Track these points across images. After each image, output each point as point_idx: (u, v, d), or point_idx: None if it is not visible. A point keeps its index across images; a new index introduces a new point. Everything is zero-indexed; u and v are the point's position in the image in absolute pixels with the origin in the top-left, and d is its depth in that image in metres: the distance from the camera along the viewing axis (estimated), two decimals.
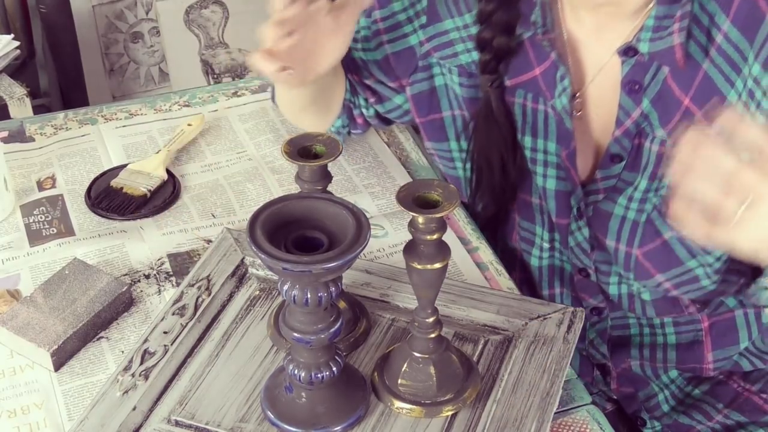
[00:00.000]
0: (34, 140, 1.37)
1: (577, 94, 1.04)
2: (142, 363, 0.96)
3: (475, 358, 0.97)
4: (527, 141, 1.08)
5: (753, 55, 0.90)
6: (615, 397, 1.19)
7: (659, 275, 1.04)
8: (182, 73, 2.58)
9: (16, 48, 2.17)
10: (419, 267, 0.86)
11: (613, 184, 1.03)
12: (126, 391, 0.93)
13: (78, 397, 0.99)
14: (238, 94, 1.47)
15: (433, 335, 0.91)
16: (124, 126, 1.40)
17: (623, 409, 1.19)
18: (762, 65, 0.89)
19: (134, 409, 0.92)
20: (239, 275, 1.08)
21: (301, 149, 0.93)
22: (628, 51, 0.95)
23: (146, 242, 1.18)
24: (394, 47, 1.14)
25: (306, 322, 0.85)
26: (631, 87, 0.97)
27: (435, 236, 0.83)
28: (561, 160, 1.06)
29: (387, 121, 1.25)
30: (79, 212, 1.24)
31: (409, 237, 0.86)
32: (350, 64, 1.18)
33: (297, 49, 1.00)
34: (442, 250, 0.86)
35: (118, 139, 1.37)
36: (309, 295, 0.82)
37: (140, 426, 0.91)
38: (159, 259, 1.16)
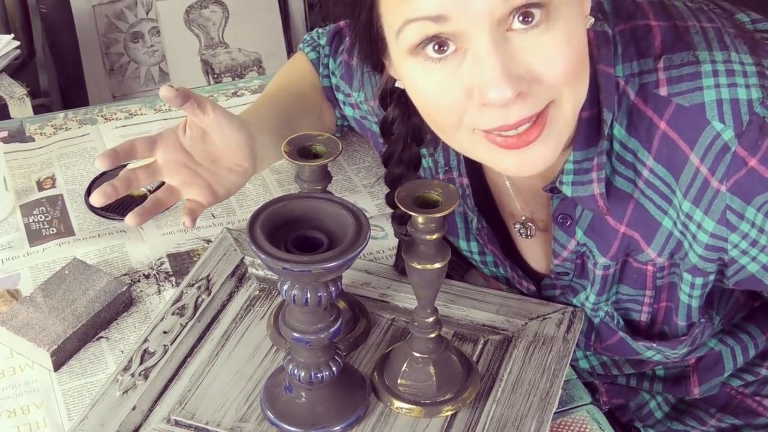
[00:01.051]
0: (33, 140, 1.37)
1: (517, 223, 1.04)
2: (141, 363, 0.96)
3: (474, 358, 0.97)
4: (474, 246, 1.09)
5: (681, 193, 0.89)
6: (607, 408, 1.19)
7: (621, 357, 1.07)
8: (182, 73, 2.58)
9: (16, 48, 2.17)
10: (419, 267, 0.86)
11: (567, 284, 1.03)
12: (126, 391, 0.93)
13: (78, 397, 0.99)
14: (238, 94, 1.47)
15: (432, 335, 0.91)
16: (124, 126, 1.40)
17: (617, 418, 1.19)
18: (692, 202, 0.88)
19: (134, 408, 0.92)
20: (239, 275, 1.08)
21: (301, 149, 0.93)
22: (553, 189, 0.94)
23: (146, 242, 1.18)
24: (368, 124, 1.17)
25: (306, 322, 0.85)
26: (563, 221, 0.97)
27: (435, 236, 0.84)
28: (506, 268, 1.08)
29: None
30: (78, 212, 1.24)
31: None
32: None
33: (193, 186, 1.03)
34: (442, 250, 0.86)
35: (118, 139, 1.37)
36: (309, 295, 0.82)
37: (140, 426, 0.91)
38: (159, 259, 1.16)
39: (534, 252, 1.06)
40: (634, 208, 0.93)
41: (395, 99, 0.96)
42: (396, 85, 0.92)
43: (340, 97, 1.20)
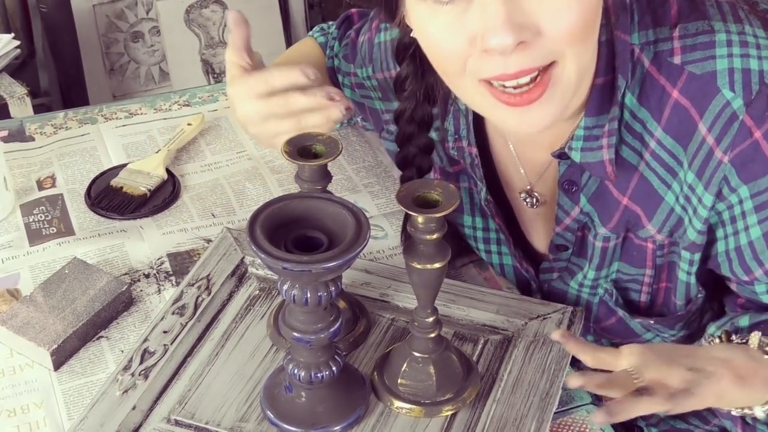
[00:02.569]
0: (34, 139, 1.37)
1: (523, 192, 1.05)
2: (141, 362, 0.96)
3: (474, 358, 0.97)
4: (478, 221, 1.10)
5: (687, 163, 0.90)
6: None
7: (620, 341, 1.07)
8: (182, 73, 2.58)
9: (17, 47, 2.17)
10: (419, 267, 0.86)
11: (564, 266, 1.04)
12: (126, 391, 0.93)
13: (78, 397, 0.99)
14: None
15: (432, 335, 0.91)
16: (124, 125, 1.40)
17: None
18: (695, 173, 0.89)
19: (134, 408, 0.92)
20: (239, 275, 1.08)
21: (301, 149, 0.93)
22: (562, 155, 0.95)
23: (146, 242, 1.18)
24: (369, 103, 1.16)
25: (306, 322, 0.85)
26: (569, 187, 0.97)
27: (434, 236, 0.84)
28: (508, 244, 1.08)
29: None
30: (78, 212, 1.24)
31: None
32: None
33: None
34: (442, 250, 0.86)
35: (118, 139, 1.37)
36: (309, 295, 0.82)
37: (140, 425, 0.91)
38: (159, 259, 1.16)
39: (536, 226, 1.07)
40: (638, 181, 0.93)
41: (410, 55, 0.97)
42: (411, 35, 0.92)
43: (339, 78, 1.21)
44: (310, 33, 1.27)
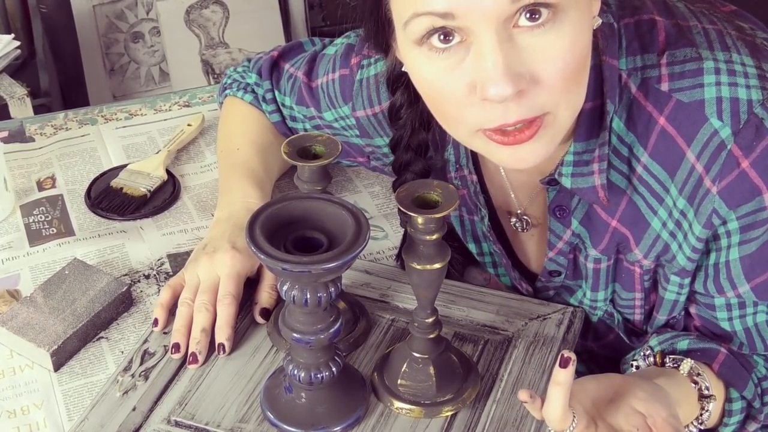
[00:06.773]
0: (34, 140, 1.37)
1: (513, 216, 1.05)
2: (142, 363, 0.96)
3: (474, 359, 0.97)
4: (472, 247, 1.10)
5: (676, 190, 0.89)
6: None
7: (615, 354, 1.07)
8: (183, 73, 2.58)
9: (17, 48, 2.17)
10: (419, 267, 0.85)
11: (558, 285, 1.04)
12: (126, 392, 0.93)
13: (78, 398, 0.99)
14: None
15: (432, 336, 0.91)
16: (124, 126, 1.40)
17: None
18: (686, 199, 0.89)
19: (134, 409, 0.92)
20: None
21: (301, 149, 0.93)
22: (551, 181, 0.95)
23: (146, 242, 1.18)
24: (343, 139, 1.14)
25: (306, 323, 0.85)
26: (559, 212, 0.97)
27: (434, 237, 0.83)
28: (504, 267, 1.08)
29: None
30: (79, 212, 1.24)
31: None
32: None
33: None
34: (442, 251, 0.86)
35: (118, 140, 1.37)
36: (308, 296, 0.82)
37: (140, 426, 0.91)
38: (159, 260, 1.16)
39: (529, 250, 1.07)
40: (626, 205, 0.93)
41: (403, 84, 0.97)
42: (403, 69, 0.92)
43: (299, 125, 1.19)
44: (227, 92, 1.24)
